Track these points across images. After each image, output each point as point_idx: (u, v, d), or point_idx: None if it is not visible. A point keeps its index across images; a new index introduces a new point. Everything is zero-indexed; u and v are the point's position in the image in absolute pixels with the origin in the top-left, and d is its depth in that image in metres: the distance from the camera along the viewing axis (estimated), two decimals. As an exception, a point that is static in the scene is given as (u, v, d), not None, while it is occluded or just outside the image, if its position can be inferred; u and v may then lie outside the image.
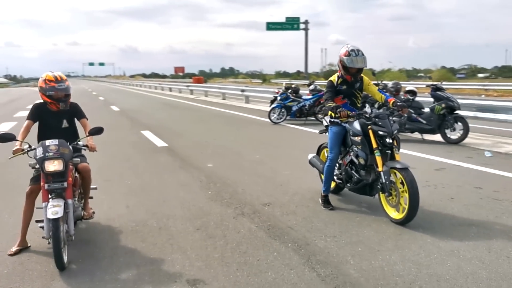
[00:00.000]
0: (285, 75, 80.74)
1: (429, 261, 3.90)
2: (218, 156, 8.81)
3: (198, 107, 22.12)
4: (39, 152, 3.93)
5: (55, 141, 4.01)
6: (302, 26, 59.84)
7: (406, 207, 4.55)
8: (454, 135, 9.57)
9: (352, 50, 5.11)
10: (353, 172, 5.24)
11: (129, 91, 45.25)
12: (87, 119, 4.65)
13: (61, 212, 3.77)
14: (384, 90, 8.92)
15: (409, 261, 3.90)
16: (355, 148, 5.11)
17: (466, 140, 9.50)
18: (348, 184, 5.38)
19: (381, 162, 4.77)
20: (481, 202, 5.49)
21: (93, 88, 55.75)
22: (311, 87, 14.22)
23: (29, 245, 4.39)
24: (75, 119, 4.60)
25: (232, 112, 18.72)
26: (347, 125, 5.20)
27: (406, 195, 4.56)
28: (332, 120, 5.41)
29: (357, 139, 5.00)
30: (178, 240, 4.54)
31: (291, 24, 61.03)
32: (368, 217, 5.06)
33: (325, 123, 5.74)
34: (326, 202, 5.45)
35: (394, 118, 5.17)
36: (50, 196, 3.98)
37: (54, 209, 3.75)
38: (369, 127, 4.88)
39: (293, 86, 14.80)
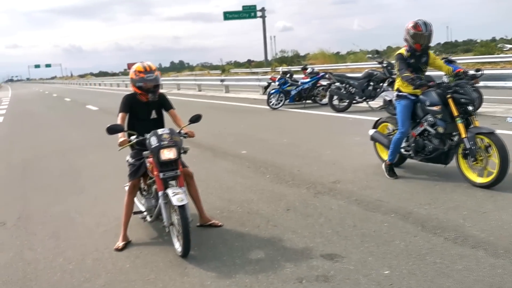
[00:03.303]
0: (236, 65, 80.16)
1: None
2: (244, 143, 8.77)
3: (180, 100, 21.80)
4: (154, 141, 3.84)
5: (166, 130, 3.94)
6: (259, 14, 59.69)
7: (494, 171, 4.72)
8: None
9: (420, 24, 5.22)
10: (426, 142, 5.37)
11: (91, 91, 43.94)
12: (175, 109, 4.54)
13: (186, 198, 3.71)
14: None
15: (522, 218, 4.06)
16: (431, 118, 5.23)
17: (480, 110, 9.86)
18: (419, 155, 5.50)
19: (464, 129, 4.92)
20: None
21: (49, 90, 53.66)
22: (309, 70, 14.32)
23: (130, 239, 4.29)
24: (163, 110, 4.49)
25: (220, 102, 18.61)
26: (421, 96, 5.32)
27: (494, 159, 4.73)
28: (400, 94, 5.50)
29: (436, 108, 5.12)
30: (278, 221, 4.55)
31: (248, 12, 60.75)
32: (446, 184, 5.21)
33: (388, 98, 5.84)
34: (391, 171, 5.61)
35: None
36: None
37: (179, 196, 3.69)
38: (449, 95, 5.01)
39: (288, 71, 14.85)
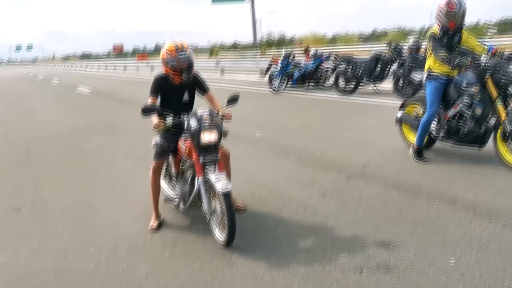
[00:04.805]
0: (221, 47, 79.25)
1: None
2: (256, 126, 8.49)
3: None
4: (194, 123, 3.56)
5: (206, 111, 3.66)
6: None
7: (538, 154, 4.54)
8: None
9: (455, 1, 4.98)
10: (460, 124, 5.17)
11: (78, 73, 43.12)
12: (211, 91, 4.25)
13: (230, 184, 3.45)
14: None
15: None
16: (467, 99, 5.03)
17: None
18: (453, 138, 5.31)
19: (503, 111, 4.73)
20: None
21: (33, 72, 52.44)
22: (312, 51, 14.04)
23: (162, 217, 4.17)
24: (197, 92, 4.18)
25: (218, 84, 18.15)
26: (457, 76, 5.10)
27: (536, 141, 4.55)
28: (431, 74, 5.28)
29: (474, 89, 4.91)
30: (316, 207, 4.33)
31: (237, -5, 59.86)
32: (484, 168, 5.04)
33: (418, 79, 5.61)
34: (419, 155, 5.44)
35: None
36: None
37: (223, 182, 3.43)
38: (488, 76, 4.80)
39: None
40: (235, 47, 70.31)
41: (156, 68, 31.07)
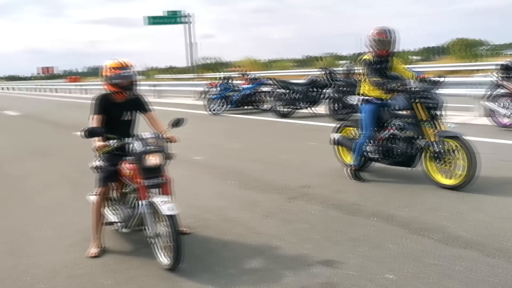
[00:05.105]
0: (159, 71, 78.73)
1: (509, 215, 4.25)
2: (196, 149, 8.46)
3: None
4: (138, 146, 3.54)
5: (151, 134, 3.65)
6: (183, 20, 58.95)
7: (463, 173, 4.87)
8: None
9: (385, 31, 5.32)
10: (394, 146, 5.46)
11: (5, 96, 41.06)
12: (153, 112, 4.24)
13: (176, 207, 3.44)
14: None
15: (501, 218, 4.21)
16: (399, 122, 5.32)
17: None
18: (387, 158, 5.58)
19: (431, 133, 5.05)
20: (492, 163, 6.01)
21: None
22: (250, 76, 14.28)
23: (104, 246, 4.03)
24: (138, 112, 4.16)
25: (155, 107, 17.96)
26: (389, 100, 5.39)
27: (461, 162, 4.89)
28: (366, 98, 5.55)
29: (405, 112, 5.21)
30: (260, 228, 4.38)
31: (173, 17, 59.74)
32: (415, 186, 5.32)
33: (353, 102, 5.88)
34: (356, 175, 5.67)
35: None
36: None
37: (169, 205, 3.41)
38: (417, 100, 5.12)
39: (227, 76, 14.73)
40: (171, 70, 69.91)
41: (90, 91, 30.31)
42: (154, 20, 60.29)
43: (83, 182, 6.20)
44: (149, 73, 71.27)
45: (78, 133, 3.83)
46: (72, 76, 73.12)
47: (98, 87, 29.91)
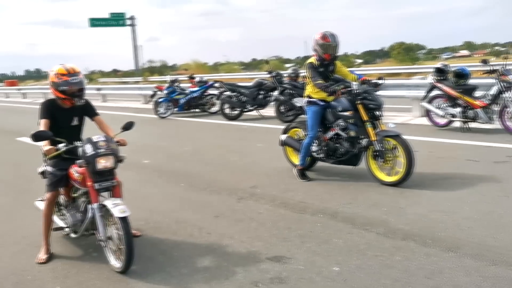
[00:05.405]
0: (103, 74, 77.01)
1: (445, 207, 4.55)
2: (144, 153, 8.41)
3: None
4: (89, 149, 3.53)
5: (102, 137, 3.66)
6: (128, 22, 57.86)
7: (402, 170, 5.17)
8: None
9: (329, 35, 5.54)
10: (337, 145, 5.70)
11: None
12: (100, 115, 4.24)
13: (128, 209, 3.47)
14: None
15: (436, 211, 4.51)
16: (342, 123, 5.56)
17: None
18: (331, 158, 5.82)
19: (373, 132, 5.32)
20: (429, 161, 6.41)
21: None
22: (197, 79, 14.28)
23: (52, 251, 3.98)
24: (85, 117, 4.15)
25: (101, 112, 17.57)
26: (333, 102, 5.62)
27: (401, 159, 5.19)
28: (310, 100, 5.77)
29: (348, 113, 5.46)
30: (210, 228, 4.47)
31: (116, 20, 58.29)
32: (359, 184, 5.57)
33: (299, 104, 6.08)
34: (303, 175, 5.88)
35: None
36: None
37: (120, 207, 3.44)
38: (359, 102, 5.37)
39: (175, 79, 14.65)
40: (115, 73, 68.50)
41: (29, 95, 29.19)
42: (97, 22, 58.54)
43: (28, 189, 6.07)
44: (92, 77, 69.53)
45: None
46: (9, 79, 69.99)
47: (37, 91, 29.00)
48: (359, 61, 70.99)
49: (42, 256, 3.87)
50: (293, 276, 3.38)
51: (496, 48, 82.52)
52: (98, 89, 21.19)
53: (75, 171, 3.72)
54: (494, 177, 5.49)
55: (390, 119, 10.36)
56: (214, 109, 13.73)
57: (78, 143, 3.69)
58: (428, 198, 4.90)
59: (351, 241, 3.94)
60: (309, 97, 5.80)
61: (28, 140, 9.95)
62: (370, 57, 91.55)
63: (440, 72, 8.86)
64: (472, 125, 8.53)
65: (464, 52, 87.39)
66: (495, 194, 4.88)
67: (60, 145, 3.67)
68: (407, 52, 40.95)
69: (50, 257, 3.91)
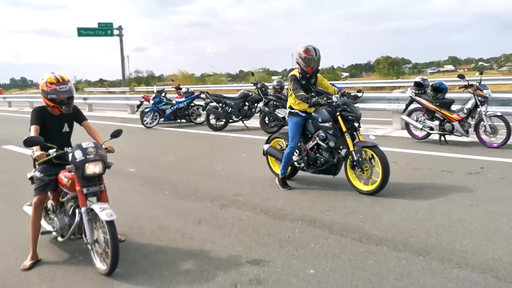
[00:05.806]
0: (89, 83, 76.89)
1: (418, 215, 4.77)
2: (130, 162, 8.55)
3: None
4: (78, 155, 3.69)
5: (91, 143, 3.82)
6: (115, 32, 57.96)
7: (378, 179, 5.39)
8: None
9: (311, 49, 5.77)
10: (317, 155, 5.91)
11: None
12: (88, 121, 4.41)
13: (114, 213, 3.63)
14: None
15: (410, 219, 4.73)
16: (322, 134, 5.78)
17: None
18: (312, 167, 6.02)
19: (351, 143, 5.54)
20: (406, 171, 6.66)
21: None
22: (183, 89, 14.45)
23: (39, 258, 4.08)
24: (75, 122, 4.32)
25: (90, 121, 17.63)
26: (313, 113, 5.84)
27: (377, 169, 5.41)
28: (292, 111, 5.98)
29: (328, 124, 5.68)
30: (193, 234, 4.63)
31: (104, 30, 58.30)
32: (338, 192, 5.78)
33: (282, 115, 6.29)
34: (284, 184, 6.07)
35: None
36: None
37: (107, 211, 3.59)
38: (338, 113, 5.60)
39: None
40: (101, 83, 68.31)
41: (14, 103, 29.07)
42: (85, 32, 58.43)
43: (13, 196, 6.16)
44: (78, 86, 69.23)
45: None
46: (-6, 88, 69.45)
47: (23, 100, 28.85)
48: (346, 74, 71.76)
49: (27, 262, 3.96)
50: (271, 278, 3.55)
51: (480, 63, 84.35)
52: (85, 99, 21.22)
53: (64, 176, 3.87)
54: (466, 187, 5.74)
55: (372, 131, 10.66)
56: (200, 119, 13.92)
57: (68, 149, 3.83)
58: (403, 206, 5.12)
59: (327, 246, 4.13)
60: (291, 108, 6.01)
61: (14, 148, 10.07)
62: (356, 70, 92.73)
63: (419, 86, 9.15)
64: (449, 137, 8.83)
65: (449, 67, 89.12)
66: (466, 203, 5.12)
67: (51, 151, 3.82)
68: (392, 66, 41.59)
69: (36, 263, 4.01)
